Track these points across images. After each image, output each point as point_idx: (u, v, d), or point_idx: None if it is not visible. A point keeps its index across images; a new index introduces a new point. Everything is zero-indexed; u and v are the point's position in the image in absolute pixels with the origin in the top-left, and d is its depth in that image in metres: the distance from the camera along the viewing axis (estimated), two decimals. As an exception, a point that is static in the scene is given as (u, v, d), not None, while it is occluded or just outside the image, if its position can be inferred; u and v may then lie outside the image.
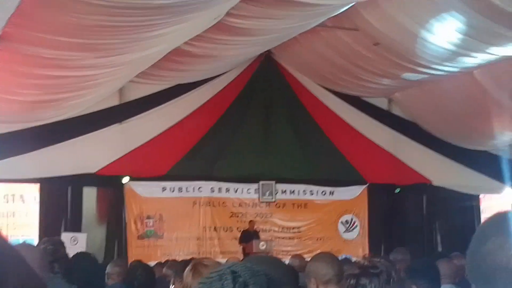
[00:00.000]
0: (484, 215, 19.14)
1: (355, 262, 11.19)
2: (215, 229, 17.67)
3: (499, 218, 1.45)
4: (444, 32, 12.61)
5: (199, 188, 17.47)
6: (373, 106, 18.87)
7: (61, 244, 5.47)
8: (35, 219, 15.61)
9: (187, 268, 3.42)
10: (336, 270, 4.06)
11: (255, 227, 17.23)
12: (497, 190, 19.01)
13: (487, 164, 18.69)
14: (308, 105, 18.32)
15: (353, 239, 18.67)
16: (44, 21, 8.06)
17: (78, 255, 6.45)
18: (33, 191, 15.75)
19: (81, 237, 15.14)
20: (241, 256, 15.02)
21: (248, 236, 16.55)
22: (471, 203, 19.35)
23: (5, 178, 14.96)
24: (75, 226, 15.93)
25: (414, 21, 12.58)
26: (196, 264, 3.41)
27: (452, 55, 13.65)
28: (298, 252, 14.89)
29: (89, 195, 16.74)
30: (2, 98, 11.24)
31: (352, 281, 3.06)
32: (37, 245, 5.53)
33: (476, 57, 13.59)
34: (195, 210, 17.52)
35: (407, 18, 12.56)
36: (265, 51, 16.96)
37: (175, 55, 13.15)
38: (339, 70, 16.39)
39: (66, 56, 9.50)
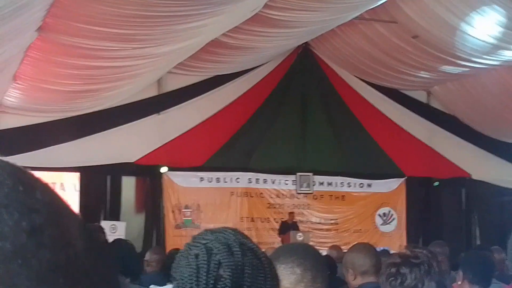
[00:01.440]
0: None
1: (395, 253, 11.15)
2: (252, 219, 17.69)
3: None
4: (484, 25, 12.49)
5: (237, 179, 17.50)
6: (412, 99, 18.72)
7: (101, 229, 5.52)
8: (75, 208, 15.42)
9: None
10: (373, 261, 4.04)
11: (294, 218, 17.20)
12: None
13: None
14: (346, 97, 18.23)
15: (390, 232, 18.56)
16: (83, 11, 8.14)
17: (116, 241, 6.51)
18: (73, 179, 15.93)
19: (120, 226, 15.27)
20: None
21: (287, 227, 16.52)
22: (510, 197, 19.09)
23: (45, 167, 15.12)
24: (114, 214, 16.08)
25: (453, 14, 12.46)
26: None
27: (492, 48, 13.50)
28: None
29: (128, 184, 16.86)
30: (42, 88, 11.39)
31: (393, 270, 3.03)
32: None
33: (516, 51, 13.43)
34: (232, 201, 17.56)
35: (446, 11, 12.45)
36: (302, 44, 16.93)
37: (213, 47, 13.19)
38: (377, 62, 16.29)
39: (104, 47, 9.58)
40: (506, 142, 18.53)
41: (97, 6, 7.87)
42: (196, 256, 1.63)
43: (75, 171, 15.84)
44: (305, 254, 2.43)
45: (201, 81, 16.80)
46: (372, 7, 12.49)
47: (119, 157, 15.95)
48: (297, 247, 2.48)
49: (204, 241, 1.66)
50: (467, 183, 18.94)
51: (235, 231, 1.70)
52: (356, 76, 18.11)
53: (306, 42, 16.93)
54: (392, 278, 3.04)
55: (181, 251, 1.69)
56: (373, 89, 18.29)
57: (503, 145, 18.56)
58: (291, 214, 17.15)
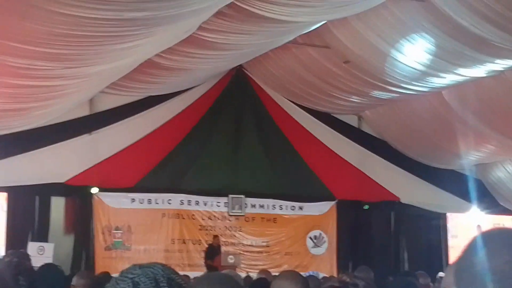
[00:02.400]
0: (451, 234, 19.27)
1: (331, 277, 11.20)
2: (183, 241, 17.55)
3: (487, 232, 1.55)
4: (414, 52, 12.73)
5: (168, 200, 17.36)
6: (343, 123, 18.94)
7: (26, 256, 5.38)
8: (1, 228, 15.44)
9: None
10: (301, 287, 4.03)
11: (219, 242, 17.09)
12: (463, 209, 19.17)
13: (454, 183, 18.88)
14: (279, 120, 18.33)
15: (321, 255, 18.64)
16: (12, 29, 7.97)
17: (44, 267, 6.35)
18: (0, 200, 15.56)
19: (48, 247, 14.98)
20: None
21: (214, 252, 16.45)
22: (438, 221, 19.44)
23: (-28, 186, 14.80)
24: (43, 235, 15.76)
25: (384, 41, 12.67)
26: None
27: (421, 75, 13.77)
28: (266, 267, 14.98)
29: (57, 205, 16.54)
30: (-30, 106, 11.12)
31: None
32: (2, 258, 5.44)
33: (445, 78, 13.72)
34: (163, 222, 17.40)
35: (377, 38, 12.64)
36: (236, 66, 16.97)
37: (147, 67, 13.10)
38: (309, 86, 16.43)
39: (35, 66, 9.40)
40: (434, 167, 18.89)
41: (28, 24, 7.72)
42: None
43: (2, 191, 15.52)
44: (224, 285, 2.36)
45: (134, 102, 16.68)
46: (306, 32, 12.61)
47: (48, 177, 15.67)
48: (215, 277, 2.43)
49: (131, 276, 1.65)
50: (396, 207, 19.20)
51: (163, 266, 1.70)
52: (289, 100, 18.23)
53: (240, 64, 16.98)
54: None
55: (108, 285, 1.68)
56: (305, 113, 18.43)
57: (431, 170, 18.92)
58: (216, 237, 17.06)
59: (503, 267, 1.42)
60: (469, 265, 1.47)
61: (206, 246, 17.03)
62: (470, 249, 1.52)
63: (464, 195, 18.77)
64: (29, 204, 16.01)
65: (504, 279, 1.41)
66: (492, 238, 1.52)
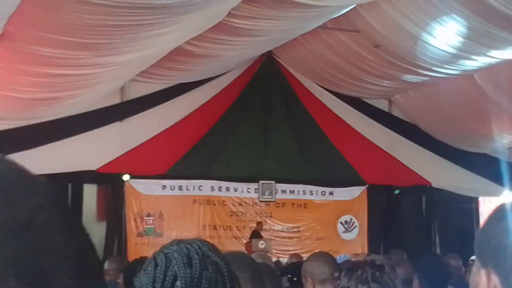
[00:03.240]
0: (483, 218, 19.09)
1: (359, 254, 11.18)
2: (214, 227, 17.64)
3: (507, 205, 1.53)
4: (445, 35, 12.59)
5: (199, 186, 17.42)
6: (373, 107, 18.82)
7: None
8: None
9: None
10: (332, 269, 4.04)
11: (261, 228, 17.16)
12: (496, 193, 18.95)
13: (486, 167, 18.66)
14: (309, 105, 18.28)
15: (352, 240, 18.63)
16: (44, 20, 8.03)
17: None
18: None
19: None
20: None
21: (253, 236, 16.55)
22: (470, 206, 19.30)
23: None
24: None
25: (414, 24, 12.54)
26: None
27: (452, 58, 13.62)
28: (297, 252, 14.98)
29: (89, 192, 16.69)
30: (2, 96, 11.21)
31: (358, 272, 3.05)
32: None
33: (476, 60, 13.56)
34: (194, 209, 17.49)
35: (407, 21, 12.52)
36: (266, 52, 16.93)
37: (177, 55, 13.10)
38: (339, 71, 16.35)
39: (66, 55, 9.46)
40: (466, 151, 18.73)
41: (58, 14, 7.77)
42: (156, 265, 1.63)
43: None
44: (243, 265, 2.36)
45: (164, 89, 16.68)
46: (335, 16, 12.53)
47: (80, 165, 15.77)
48: (234, 258, 2.44)
49: (166, 251, 1.66)
50: (427, 191, 19.10)
51: (203, 242, 1.69)
52: (318, 85, 18.16)
53: (270, 50, 16.95)
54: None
55: (147, 259, 1.70)
56: (335, 98, 18.35)
57: (462, 154, 18.75)
58: (260, 223, 17.15)
59: None
60: (489, 237, 1.46)
61: (239, 231, 17.13)
62: (490, 220, 1.51)
63: (497, 179, 18.50)
64: (62, 192, 16.13)
65: None
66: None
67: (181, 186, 17.27)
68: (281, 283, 5.08)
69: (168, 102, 16.81)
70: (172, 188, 17.23)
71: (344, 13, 12.37)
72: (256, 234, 16.65)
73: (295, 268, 5.87)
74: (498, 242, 1.42)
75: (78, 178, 16.16)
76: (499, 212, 1.50)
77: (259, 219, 17.78)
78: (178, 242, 1.69)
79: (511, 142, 17.82)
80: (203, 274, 1.59)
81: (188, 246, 1.65)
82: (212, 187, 17.58)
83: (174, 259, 1.62)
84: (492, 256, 1.43)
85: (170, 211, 17.13)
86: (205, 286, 1.58)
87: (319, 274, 4.06)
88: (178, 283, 1.57)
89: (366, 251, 18.06)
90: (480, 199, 19.39)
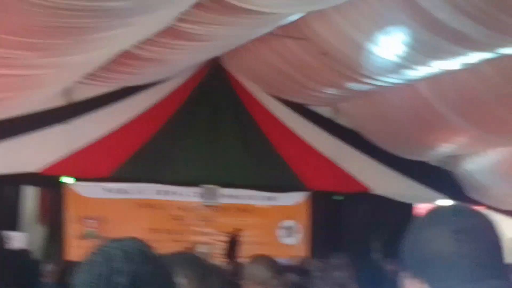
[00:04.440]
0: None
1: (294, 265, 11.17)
2: (157, 231, 17.39)
3: (434, 211, 1.61)
4: (389, 45, 12.66)
5: (143, 190, 17.30)
6: (318, 114, 18.85)
7: (5, 238, 5.28)
8: None
9: None
10: (272, 272, 4.03)
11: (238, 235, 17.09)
12: (432, 200, 19.20)
13: (425, 174, 18.97)
14: (254, 112, 18.24)
15: (294, 245, 18.63)
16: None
17: (15, 251, 6.29)
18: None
19: (20, 236, 14.83)
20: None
21: (231, 244, 16.42)
22: (407, 211, 19.48)
23: None
24: (14, 225, 15.55)
25: (361, 33, 12.59)
26: None
27: (397, 67, 13.72)
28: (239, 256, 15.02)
29: (30, 194, 16.40)
30: None
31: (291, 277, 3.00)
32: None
33: (419, 70, 13.68)
34: (138, 213, 17.31)
35: (354, 30, 12.56)
36: (214, 58, 16.82)
37: (124, 58, 12.90)
38: (286, 78, 16.33)
39: (10, 55, 9.17)
40: (406, 159, 18.92)
41: (4, 14, 7.50)
42: (96, 262, 1.65)
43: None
44: (190, 263, 2.35)
45: (111, 92, 16.44)
46: (284, 23, 12.47)
47: (22, 167, 15.44)
48: (183, 257, 2.44)
49: (105, 248, 1.69)
50: (367, 198, 19.23)
51: (137, 239, 1.74)
52: (265, 92, 18.15)
53: (218, 56, 16.84)
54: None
55: (84, 258, 1.72)
56: (281, 104, 18.34)
57: (403, 161, 18.95)
58: (237, 230, 17.18)
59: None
60: (418, 246, 1.47)
61: (181, 236, 17.01)
62: (417, 228, 1.54)
63: (435, 186, 18.91)
64: (1, 193, 15.81)
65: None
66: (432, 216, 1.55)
67: (124, 189, 17.12)
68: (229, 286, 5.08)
69: (114, 105, 16.58)
70: (115, 191, 17.07)
71: (293, 21, 12.33)
72: (233, 241, 16.57)
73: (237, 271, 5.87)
74: (425, 255, 1.43)
75: (19, 180, 15.87)
76: (426, 220, 1.53)
77: (201, 224, 17.76)
78: (114, 240, 1.73)
79: (450, 151, 18.07)
80: (143, 268, 1.61)
81: (126, 242, 1.70)
82: (156, 191, 17.47)
83: (114, 255, 1.63)
84: (422, 270, 1.43)
85: (112, 214, 16.96)
86: (146, 279, 1.60)
87: (258, 276, 4.03)
88: (119, 278, 1.58)
89: (309, 256, 18.13)
90: (416, 205, 19.59)
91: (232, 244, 16.47)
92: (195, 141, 17.51)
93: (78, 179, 16.52)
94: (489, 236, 1.49)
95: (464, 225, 1.49)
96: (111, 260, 1.61)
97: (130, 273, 1.58)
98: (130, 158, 16.89)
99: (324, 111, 18.92)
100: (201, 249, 15.76)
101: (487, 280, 1.40)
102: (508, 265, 1.49)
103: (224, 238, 17.94)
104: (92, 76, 14.44)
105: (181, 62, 15.02)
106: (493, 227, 1.51)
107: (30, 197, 16.33)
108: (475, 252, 1.42)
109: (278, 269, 4.19)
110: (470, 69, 13.09)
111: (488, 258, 1.43)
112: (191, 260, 2.46)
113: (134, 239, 1.73)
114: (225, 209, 18.27)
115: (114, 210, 16.92)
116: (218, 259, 15.67)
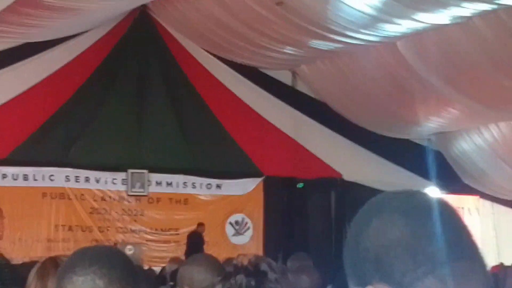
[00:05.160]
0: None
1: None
2: (70, 228, 17.52)
3: (377, 199, 1.60)
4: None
5: (50, 176, 17.21)
6: (274, 80, 18.89)
7: None
8: None
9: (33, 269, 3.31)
10: (216, 275, 4.05)
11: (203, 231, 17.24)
12: (419, 188, 19.37)
13: (408, 156, 19.06)
14: (193, 77, 18.26)
15: (244, 244, 18.71)
16: None
17: None
18: None
19: None
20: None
21: (192, 241, 16.48)
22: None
23: None
24: None
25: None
26: (45, 262, 3.29)
27: (372, 21, 13.75)
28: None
29: None
30: None
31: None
32: None
33: (400, 24, 13.74)
34: (45, 204, 17.29)
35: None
36: (140, 6, 16.75)
37: (23, 5, 12.76)
38: (232, 34, 16.29)
39: None
40: (385, 136, 19.03)
41: None
42: None
43: None
44: (110, 261, 2.35)
45: (7, 49, 16.27)
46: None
47: None
48: (100, 252, 2.45)
49: None
50: (337, 185, 19.34)
51: None
52: (206, 50, 18.09)
53: (144, 4, 16.74)
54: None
55: None
56: (227, 67, 18.34)
57: (381, 140, 19.04)
58: (201, 225, 17.35)
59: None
60: (364, 250, 1.48)
61: (101, 233, 17.14)
62: (356, 230, 1.55)
63: (421, 171, 18.98)
64: None
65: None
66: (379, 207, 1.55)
67: (26, 175, 17.03)
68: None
69: (11, 67, 16.44)
70: (15, 177, 16.98)
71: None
72: (195, 239, 16.54)
73: (176, 275, 5.88)
74: (377, 249, 1.43)
75: None
76: (363, 216, 1.53)
77: (127, 219, 17.70)
78: None
79: (438, 127, 18.21)
80: None
81: None
82: (67, 177, 17.39)
83: None
84: (375, 269, 1.43)
85: (12, 206, 16.67)
86: None
87: (200, 281, 4.03)
88: None
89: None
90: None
91: (194, 245, 16.43)
92: (118, 114, 17.45)
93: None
94: (449, 216, 1.54)
95: (420, 205, 1.53)
96: None
97: None
98: (33, 135, 16.81)
99: (282, 76, 18.97)
100: (126, 251, 15.78)
101: (457, 262, 1.45)
102: (476, 245, 1.55)
103: (156, 237, 18.00)
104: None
105: (97, 13, 14.88)
106: (452, 209, 1.57)
107: None
108: (442, 234, 1.47)
109: (223, 271, 4.18)
110: (460, 24, 13.20)
111: (455, 239, 1.48)
112: (113, 257, 2.43)
113: None
114: (157, 200, 18.30)
115: (14, 202, 16.74)
116: (149, 263, 15.72)
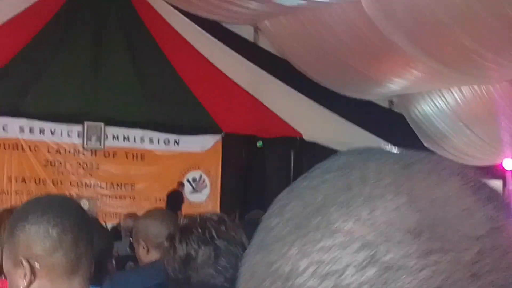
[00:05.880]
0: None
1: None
2: (23, 180, 17.51)
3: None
4: None
5: (3, 126, 17.10)
6: (236, 35, 18.64)
7: None
8: None
9: None
10: (172, 229, 3.99)
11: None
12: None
13: (369, 117, 19.08)
14: (153, 29, 18.03)
15: (201, 202, 18.74)
16: None
17: None
18: None
19: None
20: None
21: (172, 200, 16.41)
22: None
23: None
24: None
25: None
26: (2, 214, 3.41)
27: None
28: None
29: None
30: None
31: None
32: None
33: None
34: (-3, 155, 17.01)
35: None
36: None
37: None
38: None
39: None
40: (347, 97, 19.00)
41: None
42: None
43: None
44: (64, 210, 2.35)
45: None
46: None
47: None
48: (53, 201, 2.41)
49: None
50: (297, 144, 19.32)
51: None
52: (167, 2, 17.87)
53: None
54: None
55: None
56: (187, 20, 18.07)
57: (342, 100, 18.99)
58: (180, 184, 17.48)
59: None
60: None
61: (55, 186, 17.03)
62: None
63: (381, 133, 19.01)
64: None
65: None
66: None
67: (-23, 125, 16.76)
68: (112, 243, 5.06)
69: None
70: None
71: None
72: (175, 197, 16.44)
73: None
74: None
75: None
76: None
77: (81, 172, 17.69)
78: None
79: (400, 88, 18.20)
80: None
81: None
82: (21, 127, 17.28)
83: None
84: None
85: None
86: None
87: (155, 235, 4.02)
88: None
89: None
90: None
91: (173, 201, 16.34)
92: (74, 62, 17.25)
93: None
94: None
95: None
96: None
97: None
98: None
99: (243, 31, 18.75)
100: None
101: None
102: None
103: (111, 192, 17.95)
104: None
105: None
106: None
107: None
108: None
109: (179, 225, 4.13)
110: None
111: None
112: (66, 206, 2.44)
113: None
114: (113, 154, 18.24)
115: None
116: (103, 219, 15.66)
